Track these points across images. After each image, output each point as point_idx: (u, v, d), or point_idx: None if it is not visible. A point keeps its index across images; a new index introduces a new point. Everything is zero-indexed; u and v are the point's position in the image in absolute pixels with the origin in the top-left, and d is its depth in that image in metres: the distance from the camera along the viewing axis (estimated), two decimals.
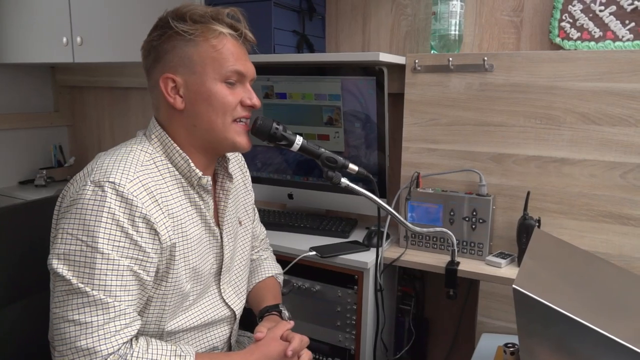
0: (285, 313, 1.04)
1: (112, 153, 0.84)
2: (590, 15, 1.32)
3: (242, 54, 0.89)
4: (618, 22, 1.29)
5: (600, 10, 1.31)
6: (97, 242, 0.75)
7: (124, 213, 0.77)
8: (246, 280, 1.07)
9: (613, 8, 1.29)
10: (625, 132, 1.21)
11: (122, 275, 0.77)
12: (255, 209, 1.18)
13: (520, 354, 0.79)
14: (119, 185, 0.77)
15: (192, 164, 0.88)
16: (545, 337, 0.75)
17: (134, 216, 0.78)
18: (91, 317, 0.75)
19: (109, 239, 0.76)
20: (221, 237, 0.96)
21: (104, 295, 0.75)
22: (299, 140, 0.97)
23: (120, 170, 0.79)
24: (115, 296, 0.76)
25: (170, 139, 0.88)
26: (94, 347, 0.74)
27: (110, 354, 0.75)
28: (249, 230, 1.09)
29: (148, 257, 0.80)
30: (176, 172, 0.87)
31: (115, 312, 0.76)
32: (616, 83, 1.20)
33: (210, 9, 0.87)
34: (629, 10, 1.28)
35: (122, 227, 0.77)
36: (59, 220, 0.80)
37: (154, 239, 0.80)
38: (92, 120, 2.42)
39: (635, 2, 1.27)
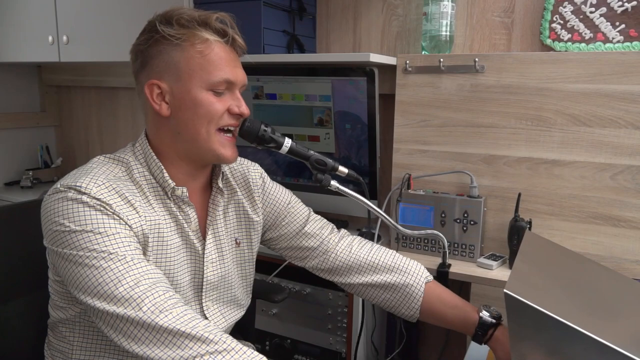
0: (497, 311, 0.91)
1: (85, 164, 0.84)
2: (581, 16, 1.32)
3: (232, 60, 0.85)
4: (608, 23, 1.29)
5: (591, 12, 1.31)
6: (100, 235, 0.74)
7: (95, 205, 0.76)
8: (238, 301, 1.00)
9: (603, 10, 1.29)
10: (616, 133, 1.21)
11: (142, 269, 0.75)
12: (301, 210, 1.06)
13: (511, 358, 0.78)
14: (85, 189, 0.77)
15: (165, 174, 0.85)
16: (536, 342, 0.75)
17: (106, 205, 0.77)
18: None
19: (102, 228, 0.75)
20: (203, 253, 0.91)
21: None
22: (287, 143, 0.95)
23: (89, 177, 0.79)
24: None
25: (149, 148, 0.86)
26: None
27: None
28: (247, 253, 1.01)
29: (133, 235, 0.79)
30: (154, 182, 0.85)
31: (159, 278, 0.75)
32: (606, 85, 1.20)
33: (198, 13, 0.84)
34: (619, 11, 1.28)
35: (100, 210, 0.76)
36: (49, 251, 0.79)
37: (125, 225, 0.79)
38: (80, 120, 2.38)
39: (625, 4, 1.27)
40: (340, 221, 1.59)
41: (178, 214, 0.87)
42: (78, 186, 0.76)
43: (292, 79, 1.50)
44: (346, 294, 1.34)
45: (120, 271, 0.72)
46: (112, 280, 0.72)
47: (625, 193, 1.21)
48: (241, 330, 1.10)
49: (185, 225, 0.87)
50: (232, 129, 0.87)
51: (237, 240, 0.98)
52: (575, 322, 0.69)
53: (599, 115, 1.22)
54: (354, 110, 1.45)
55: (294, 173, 1.62)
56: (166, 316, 0.70)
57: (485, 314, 0.92)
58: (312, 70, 1.47)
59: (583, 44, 1.32)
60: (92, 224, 0.75)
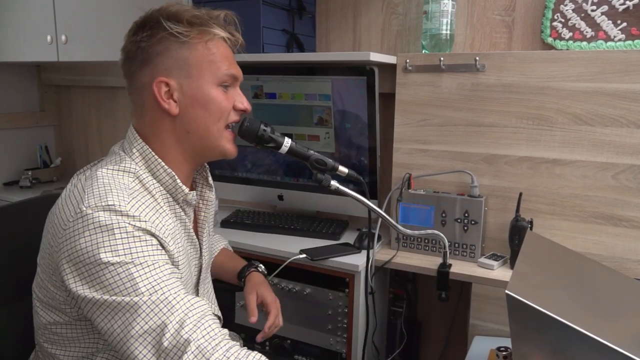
0: (261, 266, 1.13)
1: (94, 178, 0.78)
2: (582, 15, 1.31)
3: (233, 57, 0.88)
4: (610, 22, 1.28)
5: (592, 10, 1.30)
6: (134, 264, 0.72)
7: (133, 226, 0.73)
8: (212, 286, 1.06)
9: (605, 8, 1.28)
10: (618, 132, 1.20)
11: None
12: None
13: (513, 359, 0.77)
14: (119, 206, 0.73)
15: (178, 181, 0.84)
16: (538, 343, 0.74)
17: (142, 229, 0.74)
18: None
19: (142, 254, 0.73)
20: (200, 247, 0.94)
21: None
22: (287, 143, 0.94)
23: (114, 194, 0.75)
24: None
25: (153, 154, 0.83)
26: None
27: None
28: (211, 238, 1.08)
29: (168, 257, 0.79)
30: (160, 187, 0.84)
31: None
32: (608, 83, 1.20)
33: (204, 11, 0.84)
34: (620, 10, 1.27)
35: (138, 236, 0.73)
36: (67, 276, 0.73)
37: (162, 250, 0.78)
38: (79, 120, 2.37)
39: (627, 2, 1.26)
40: (340, 221, 1.59)
41: (184, 216, 0.88)
42: (111, 205, 0.72)
43: (291, 78, 1.50)
44: (346, 295, 1.34)
45: (164, 314, 0.70)
46: (158, 326, 0.69)
47: (627, 192, 1.21)
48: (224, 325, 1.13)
49: (188, 224, 0.89)
50: (233, 126, 0.89)
51: (209, 231, 1.02)
52: (577, 322, 0.68)
53: (600, 114, 1.21)
54: (354, 110, 1.44)
55: (294, 173, 1.62)
56: None
57: (246, 267, 1.12)
58: (312, 70, 1.46)
59: (584, 43, 1.32)
60: (131, 252, 0.71)
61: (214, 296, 1.05)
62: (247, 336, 1.41)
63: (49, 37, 1.89)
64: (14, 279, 0.97)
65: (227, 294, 1.11)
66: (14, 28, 1.99)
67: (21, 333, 0.96)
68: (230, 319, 1.18)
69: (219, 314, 1.01)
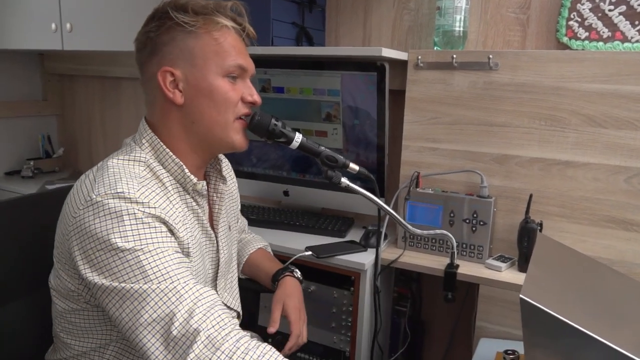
0: (297, 271, 1.11)
1: (104, 168, 0.78)
2: (599, 14, 1.28)
3: (243, 49, 0.86)
4: (627, 22, 1.26)
5: (610, 10, 1.27)
6: (142, 246, 0.71)
7: (143, 212, 0.73)
8: (237, 283, 1.05)
9: (623, 8, 1.26)
10: (632, 135, 1.18)
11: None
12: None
13: None
14: (128, 193, 0.73)
15: (186, 170, 0.84)
16: (552, 349, 0.73)
17: (153, 215, 0.74)
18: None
19: (152, 239, 0.73)
20: (217, 240, 0.93)
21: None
22: (298, 138, 0.93)
23: (123, 182, 0.75)
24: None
25: (161, 144, 0.83)
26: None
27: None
28: (235, 236, 1.07)
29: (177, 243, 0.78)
30: (170, 177, 0.84)
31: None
32: (624, 85, 1.17)
33: (212, 1, 0.83)
34: (639, 10, 1.25)
35: (147, 223, 0.73)
36: (76, 259, 0.74)
37: (172, 237, 0.78)
38: (82, 110, 2.35)
39: None
40: (346, 218, 1.57)
41: (196, 207, 0.87)
42: (120, 192, 0.72)
43: (300, 72, 1.47)
44: (351, 293, 1.32)
45: (173, 303, 0.69)
46: (166, 315, 0.69)
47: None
48: (245, 325, 1.11)
49: (202, 216, 0.88)
50: (244, 117, 0.87)
51: (230, 226, 1.01)
52: (592, 329, 0.67)
53: (615, 117, 1.19)
54: (363, 106, 1.42)
55: (300, 168, 1.60)
56: (219, 357, 0.68)
57: (282, 270, 1.10)
58: (321, 64, 1.44)
59: (600, 43, 1.29)
60: (140, 239, 0.71)
61: (238, 293, 1.03)
62: (273, 339, 1.39)
63: (53, 25, 1.86)
64: (26, 272, 0.96)
65: (252, 294, 1.10)
66: (18, 15, 1.96)
67: (37, 328, 0.94)
68: (253, 319, 1.17)
69: (239, 310, 1.00)
